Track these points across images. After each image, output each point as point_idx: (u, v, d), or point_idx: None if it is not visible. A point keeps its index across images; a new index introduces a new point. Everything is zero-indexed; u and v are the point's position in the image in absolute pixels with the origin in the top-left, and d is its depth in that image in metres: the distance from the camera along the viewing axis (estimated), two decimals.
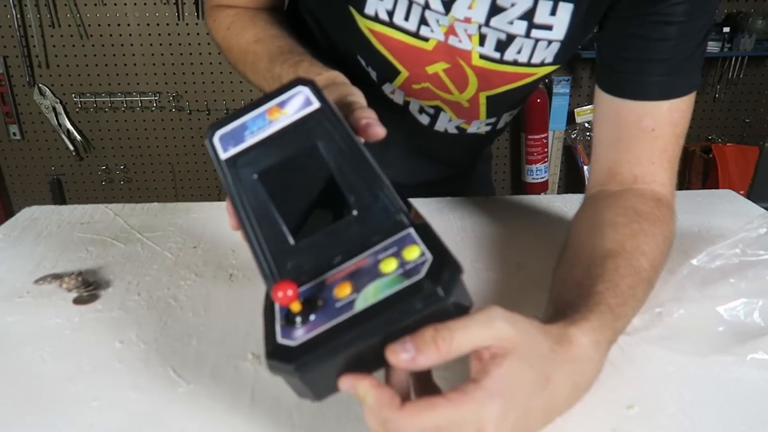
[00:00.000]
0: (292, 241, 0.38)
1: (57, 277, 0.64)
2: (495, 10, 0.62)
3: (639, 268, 0.51)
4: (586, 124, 2.50)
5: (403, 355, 0.32)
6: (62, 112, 2.35)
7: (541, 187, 2.53)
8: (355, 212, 0.38)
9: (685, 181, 2.59)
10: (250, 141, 0.40)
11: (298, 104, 0.41)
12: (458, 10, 0.62)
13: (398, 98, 0.75)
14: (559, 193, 2.66)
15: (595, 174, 0.65)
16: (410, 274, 0.34)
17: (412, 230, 0.37)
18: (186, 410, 0.46)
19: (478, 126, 0.79)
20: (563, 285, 0.53)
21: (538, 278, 0.64)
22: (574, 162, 2.59)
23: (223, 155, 0.41)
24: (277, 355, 0.34)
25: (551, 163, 2.57)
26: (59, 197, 2.50)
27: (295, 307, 0.35)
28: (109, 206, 0.83)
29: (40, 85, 2.31)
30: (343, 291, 0.35)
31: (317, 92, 0.41)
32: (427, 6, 0.63)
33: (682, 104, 0.61)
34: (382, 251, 0.36)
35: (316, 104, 0.41)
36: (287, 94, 0.42)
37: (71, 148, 2.40)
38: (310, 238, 0.38)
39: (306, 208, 0.40)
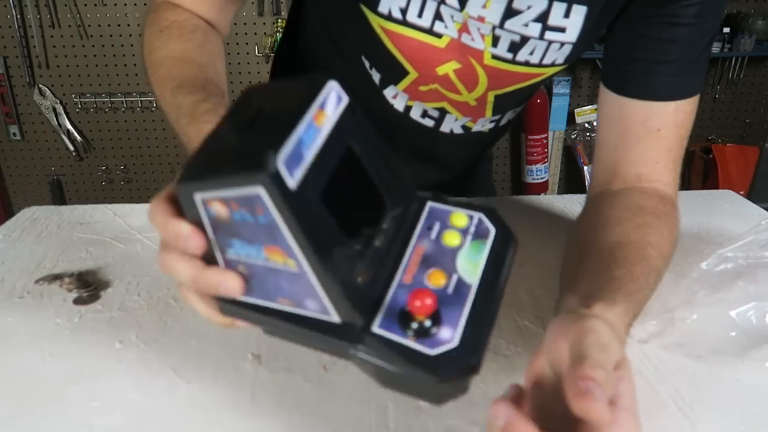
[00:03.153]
0: (358, 255, 0.35)
1: (57, 277, 0.64)
2: (510, 12, 0.61)
3: (647, 256, 0.51)
4: (586, 125, 2.50)
5: (598, 404, 0.33)
6: (62, 112, 2.35)
7: (541, 188, 2.53)
8: (389, 205, 0.37)
9: (685, 182, 2.59)
10: (308, 158, 0.33)
11: (333, 101, 0.36)
12: (472, 7, 0.62)
13: (400, 103, 0.75)
14: (559, 193, 2.66)
15: (598, 173, 0.65)
16: (482, 233, 0.35)
17: (432, 203, 0.39)
18: (186, 410, 0.46)
19: (483, 124, 0.79)
20: (575, 277, 0.52)
21: (538, 278, 0.64)
22: (574, 162, 2.59)
23: (292, 184, 0.31)
24: (441, 370, 0.31)
25: (551, 164, 2.57)
26: (59, 197, 2.50)
27: (425, 314, 0.32)
28: (109, 206, 0.83)
29: (40, 85, 2.31)
30: (438, 279, 0.34)
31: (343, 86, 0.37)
32: (442, 1, 0.62)
33: (686, 106, 0.61)
34: (427, 230, 0.37)
35: (345, 99, 0.36)
36: (324, 92, 0.35)
37: (71, 148, 2.40)
38: (367, 247, 0.35)
39: (352, 214, 0.36)
